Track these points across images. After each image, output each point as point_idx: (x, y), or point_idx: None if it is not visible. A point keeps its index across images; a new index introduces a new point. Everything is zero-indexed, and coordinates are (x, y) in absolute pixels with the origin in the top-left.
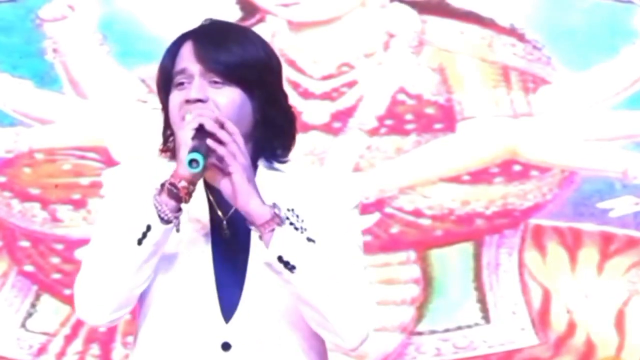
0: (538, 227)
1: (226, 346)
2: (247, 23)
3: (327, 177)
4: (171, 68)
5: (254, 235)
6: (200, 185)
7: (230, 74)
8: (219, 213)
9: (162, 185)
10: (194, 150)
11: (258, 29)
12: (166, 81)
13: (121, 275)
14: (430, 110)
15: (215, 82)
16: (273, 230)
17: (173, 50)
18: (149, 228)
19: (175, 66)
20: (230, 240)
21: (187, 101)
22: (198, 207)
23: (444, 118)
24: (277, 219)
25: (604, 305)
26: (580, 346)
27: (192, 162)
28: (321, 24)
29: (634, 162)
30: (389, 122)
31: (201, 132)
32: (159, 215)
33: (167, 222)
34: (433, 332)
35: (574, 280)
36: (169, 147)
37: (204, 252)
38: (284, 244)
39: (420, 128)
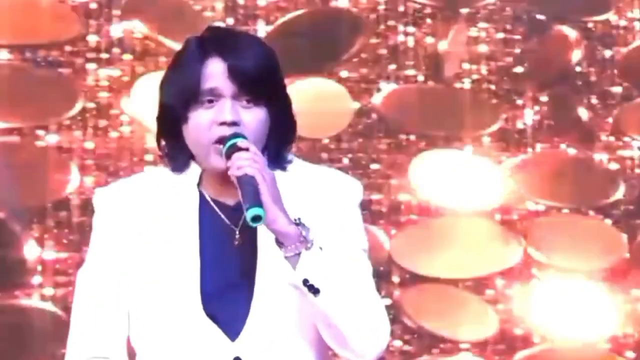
0: None
1: None
2: None
3: (329, 173)
4: (197, 85)
5: (261, 249)
6: (193, 201)
7: (261, 96)
8: (237, 229)
9: None
10: (253, 206)
11: None
12: (189, 96)
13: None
14: None
15: (247, 102)
16: (299, 252)
17: (196, 65)
18: None
19: (203, 83)
20: (239, 256)
21: (223, 123)
22: (188, 227)
23: None
24: (304, 241)
25: None
26: None
27: (254, 218)
28: None
29: None
30: None
31: (244, 178)
32: None
33: None
34: None
35: None
36: (168, 155)
37: (192, 272)
38: (309, 267)
39: None
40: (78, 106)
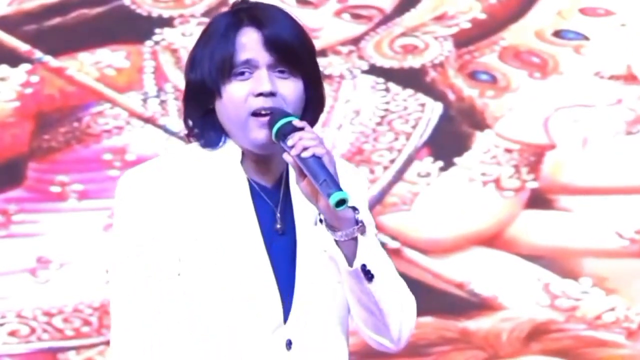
0: None
1: (289, 344)
2: None
3: (341, 162)
4: (232, 57)
5: (300, 232)
6: (242, 182)
7: (297, 65)
8: (277, 211)
9: None
10: (337, 189)
11: None
12: (223, 70)
13: None
14: None
15: (282, 73)
16: (356, 237)
17: (229, 37)
18: None
19: (238, 55)
20: (280, 239)
21: (260, 94)
22: (243, 207)
23: None
24: (362, 226)
25: None
26: None
27: (340, 202)
28: None
29: None
30: None
31: (312, 159)
32: None
33: None
34: None
35: None
36: (198, 134)
37: (261, 254)
38: (367, 253)
39: None
40: None
